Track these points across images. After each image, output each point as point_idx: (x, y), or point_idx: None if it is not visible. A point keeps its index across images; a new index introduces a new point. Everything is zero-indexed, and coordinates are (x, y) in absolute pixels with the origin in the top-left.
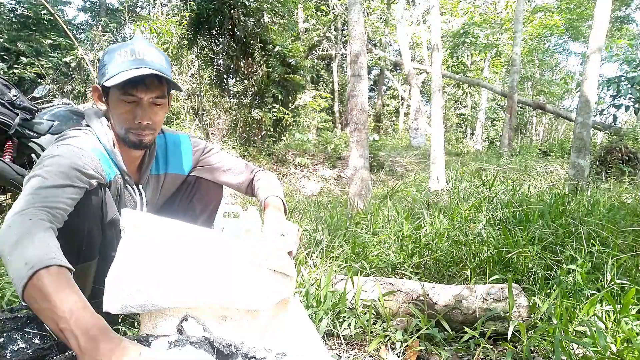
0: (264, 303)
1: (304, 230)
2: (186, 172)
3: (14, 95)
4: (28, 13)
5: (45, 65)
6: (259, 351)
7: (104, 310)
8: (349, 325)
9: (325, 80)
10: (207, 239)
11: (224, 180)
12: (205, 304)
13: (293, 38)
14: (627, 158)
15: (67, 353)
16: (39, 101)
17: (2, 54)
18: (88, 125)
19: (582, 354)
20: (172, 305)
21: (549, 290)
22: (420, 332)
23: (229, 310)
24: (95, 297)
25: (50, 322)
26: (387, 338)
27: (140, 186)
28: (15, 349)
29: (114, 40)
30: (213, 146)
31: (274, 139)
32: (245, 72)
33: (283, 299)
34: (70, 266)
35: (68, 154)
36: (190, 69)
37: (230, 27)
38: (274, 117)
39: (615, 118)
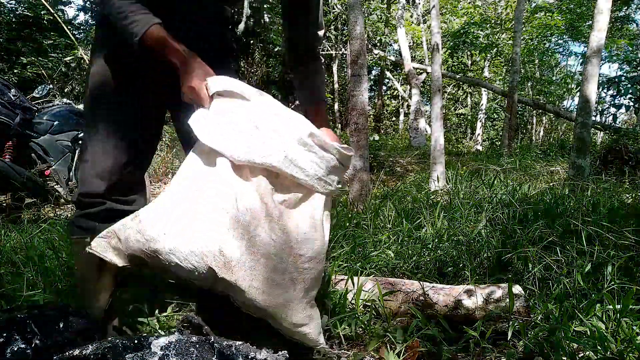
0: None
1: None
2: None
3: (14, 95)
4: (28, 13)
5: (45, 65)
6: (259, 352)
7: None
8: (349, 325)
9: (325, 80)
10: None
11: None
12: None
13: None
14: (627, 158)
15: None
16: (39, 101)
17: (2, 54)
18: None
19: (582, 354)
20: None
21: (549, 291)
22: (421, 332)
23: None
24: None
25: (173, 55)
26: (387, 338)
27: None
28: (15, 349)
29: None
30: None
31: None
32: (245, 72)
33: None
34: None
35: None
36: None
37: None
38: None
39: (615, 118)
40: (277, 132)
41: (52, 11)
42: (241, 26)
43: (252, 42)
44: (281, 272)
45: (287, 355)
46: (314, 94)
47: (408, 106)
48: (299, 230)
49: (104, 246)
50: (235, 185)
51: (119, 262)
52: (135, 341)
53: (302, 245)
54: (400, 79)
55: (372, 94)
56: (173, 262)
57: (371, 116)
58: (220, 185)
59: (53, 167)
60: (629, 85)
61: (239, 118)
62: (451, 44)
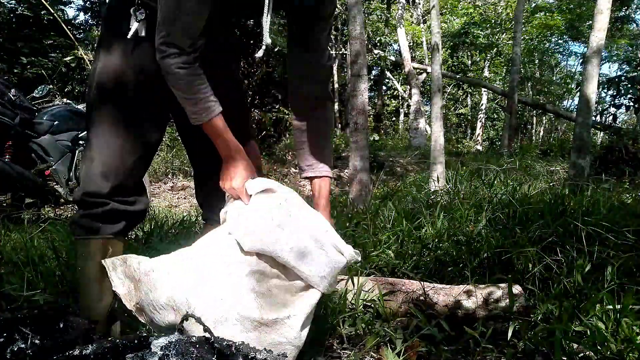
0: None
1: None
2: None
3: (14, 95)
4: (28, 13)
5: (45, 65)
6: (259, 352)
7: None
8: (350, 325)
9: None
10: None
11: None
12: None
13: None
14: (627, 158)
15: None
16: (39, 101)
17: (2, 54)
18: None
19: (582, 354)
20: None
21: (549, 290)
22: (421, 332)
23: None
24: None
25: (222, 147)
26: (387, 338)
27: None
28: (15, 349)
29: None
30: None
31: (274, 139)
32: (245, 72)
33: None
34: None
35: None
36: None
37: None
38: (274, 117)
39: (615, 118)
40: (295, 226)
41: (52, 11)
42: (260, 52)
43: (252, 42)
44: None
45: (287, 355)
46: (318, 156)
47: (408, 106)
48: (277, 314)
49: (115, 266)
50: (231, 257)
51: (120, 290)
52: (136, 341)
53: (275, 327)
54: (400, 79)
55: (372, 94)
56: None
57: (371, 116)
58: (221, 255)
59: (53, 167)
60: (629, 85)
61: (261, 210)
62: (451, 44)
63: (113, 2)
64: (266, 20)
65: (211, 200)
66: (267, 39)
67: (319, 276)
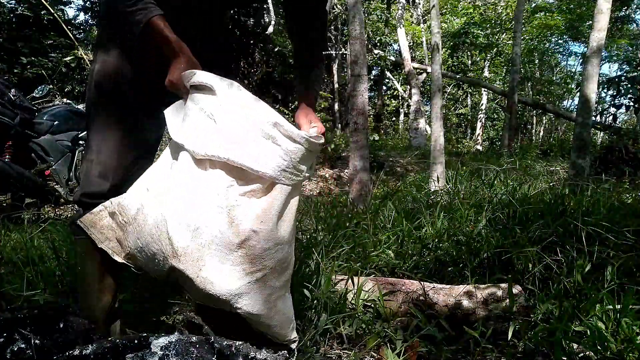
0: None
1: (304, 230)
2: None
3: (14, 95)
4: (28, 13)
5: (45, 65)
6: (260, 352)
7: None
8: (350, 325)
9: (325, 80)
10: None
11: None
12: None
13: None
14: (627, 158)
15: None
16: (39, 101)
17: (2, 54)
18: None
19: (582, 354)
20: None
21: (549, 290)
22: (421, 332)
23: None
24: None
25: (165, 46)
26: (387, 338)
27: None
28: (15, 349)
29: None
30: None
31: None
32: (245, 72)
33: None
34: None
35: None
36: None
37: (230, 27)
38: None
39: (615, 118)
40: (239, 124)
41: (52, 11)
42: (270, 28)
43: (252, 42)
44: (231, 263)
45: (287, 355)
46: (305, 84)
47: (408, 106)
48: (251, 223)
49: (91, 222)
50: (191, 178)
51: (100, 241)
52: (135, 341)
53: (252, 236)
54: (400, 79)
55: (372, 94)
56: (138, 247)
57: (371, 116)
58: (181, 177)
59: (53, 167)
60: (629, 85)
61: (202, 112)
62: (451, 44)
63: (109, 2)
64: None
65: None
66: (272, 16)
67: (278, 170)
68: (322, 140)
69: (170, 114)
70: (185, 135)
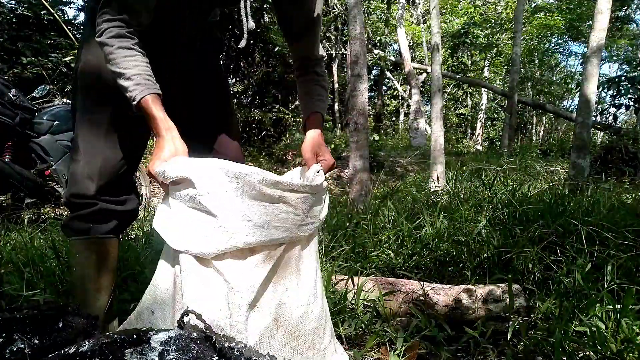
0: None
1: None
2: None
3: (14, 95)
4: (28, 13)
5: (45, 65)
6: (263, 357)
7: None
8: (350, 325)
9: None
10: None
11: None
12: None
13: None
14: (627, 158)
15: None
16: (39, 101)
17: (2, 54)
18: None
19: (582, 354)
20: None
21: (549, 290)
22: (421, 333)
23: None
24: None
25: (153, 127)
26: (387, 338)
27: None
28: (15, 349)
29: None
30: None
31: (274, 139)
32: (245, 72)
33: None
34: (160, 92)
35: None
36: None
37: (230, 27)
38: (274, 117)
39: (615, 118)
40: (241, 202)
41: (52, 11)
42: (242, 42)
43: (252, 42)
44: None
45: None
46: (310, 104)
47: (408, 106)
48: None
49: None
50: (201, 281)
51: None
52: (134, 336)
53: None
54: (400, 79)
55: (372, 94)
56: None
57: (371, 116)
58: (190, 282)
59: (53, 167)
60: (629, 85)
61: (195, 211)
62: (451, 44)
63: (92, 3)
64: (244, 5)
65: None
66: (250, 23)
67: (295, 227)
68: (322, 179)
69: (159, 225)
70: (188, 240)
